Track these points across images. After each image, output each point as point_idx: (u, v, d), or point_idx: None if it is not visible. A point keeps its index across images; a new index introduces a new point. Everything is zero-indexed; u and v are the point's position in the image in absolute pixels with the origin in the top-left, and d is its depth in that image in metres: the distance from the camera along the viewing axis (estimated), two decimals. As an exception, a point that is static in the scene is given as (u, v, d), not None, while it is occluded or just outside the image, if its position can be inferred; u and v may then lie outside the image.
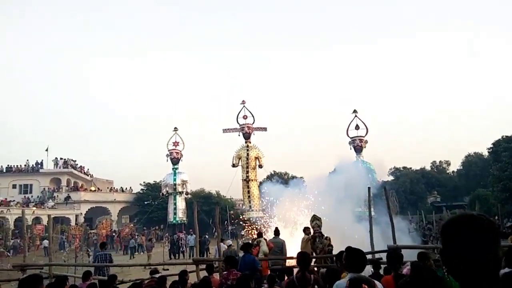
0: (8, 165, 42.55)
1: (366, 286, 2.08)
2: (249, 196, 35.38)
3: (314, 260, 8.60)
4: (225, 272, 6.72)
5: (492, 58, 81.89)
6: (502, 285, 2.86)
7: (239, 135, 38.82)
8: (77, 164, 45.38)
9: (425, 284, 3.17)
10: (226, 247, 12.22)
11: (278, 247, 9.77)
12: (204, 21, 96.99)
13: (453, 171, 49.83)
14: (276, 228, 11.07)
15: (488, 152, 32.57)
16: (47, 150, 42.34)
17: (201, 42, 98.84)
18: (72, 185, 43.59)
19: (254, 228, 21.74)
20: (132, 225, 37.12)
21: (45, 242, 26.95)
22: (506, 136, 29.32)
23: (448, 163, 51.41)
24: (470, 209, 29.71)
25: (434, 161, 51.41)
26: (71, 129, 79.36)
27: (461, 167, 47.90)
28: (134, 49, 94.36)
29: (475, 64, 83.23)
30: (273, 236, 10.74)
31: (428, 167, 48.99)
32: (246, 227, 24.57)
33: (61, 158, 43.22)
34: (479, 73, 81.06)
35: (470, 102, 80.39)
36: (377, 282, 3.33)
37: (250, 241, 10.91)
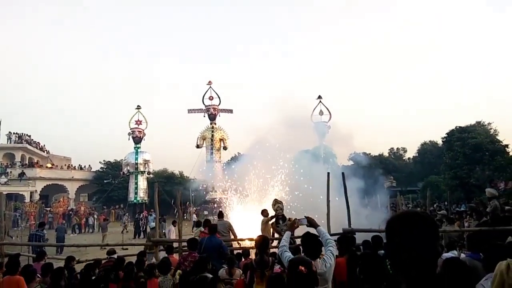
0: (-44, 139, 39.82)
1: (303, 268, 2.15)
2: (213, 178, 35.40)
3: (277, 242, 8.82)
4: (185, 253, 6.79)
5: (453, 51, 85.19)
6: (444, 270, 3.08)
7: (204, 116, 38.57)
8: (32, 140, 43.27)
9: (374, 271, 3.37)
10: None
11: (224, 228, 9.60)
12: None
13: (409, 158, 52.09)
14: (220, 211, 10.88)
15: (442, 141, 34.15)
16: (-1, 123, 40.06)
17: (167, 19, 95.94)
18: (27, 161, 41.66)
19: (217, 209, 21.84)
20: (83, 203, 36.20)
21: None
22: (459, 126, 30.80)
23: (404, 150, 53.70)
24: (422, 194, 31.33)
25: (392, 148, 53.55)
26: (26, 102, 75.37)
27: (417, 155, 50.12)
28: (99, 24, 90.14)
29: (433, 57, 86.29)
30: (218, 219, 10.45)
31: (386, 153, 50.94)
32: (209, 208, 24.66)
33: (15, 133, 41.05)
34: (436, 67, 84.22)
35: (428, 93, 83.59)
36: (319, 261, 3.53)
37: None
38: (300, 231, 4.77)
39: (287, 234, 4.04)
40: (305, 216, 4.21)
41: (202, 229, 9.60)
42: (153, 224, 24.45)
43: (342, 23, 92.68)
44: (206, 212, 29.11)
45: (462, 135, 28.54)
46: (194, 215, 26.16)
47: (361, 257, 3.56)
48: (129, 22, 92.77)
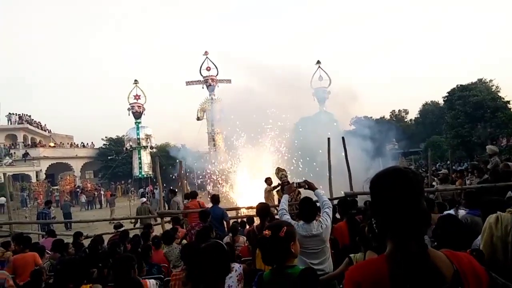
0: (-44, 122, 39.80)
1: (267, 232, 2.16)
2: (215, 150, 35.50)
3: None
4: (193, 224, 6.93)
5: (454, 8, 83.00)
6: (437, 225, 3.12)
7: (203, 88, 38.17)
8: (33, 120, 43.23)
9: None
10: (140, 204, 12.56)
11: (215, 218, 7.25)
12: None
13: (410, 120, 51.90)
14: (214, 195, 8.50)
15: (444, 100, 33.88)
16: (-2, 104, 39.99)
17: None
18: (30, 141, 41.81)
19: (222, 181, 22.08)
20: (89, 180, 36.59)
21: (1, 200, 26.31)
22: (460, 85, 30.43)
23: (406, 112, 53.43)
24: (424, 155, 31.43)
25: (393, 110, 53.26)
26: (26, 83, 74.77)
27: (419, 116, 49.91)
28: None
29: (432, 15, 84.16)
30: (211, 205, 8.07)
31: (387, 116, 50.74)
32: (214, 180, 24.87)
33: (15, 114, 40.97)
34: (436, 24, 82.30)
35: (429, 54, 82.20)
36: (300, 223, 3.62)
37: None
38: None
39: (285, 197, 4.10)
40: (304, 179, 4.27)
41: (186, 202, 9.50)
42: (158, 197, 25.00)
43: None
44: (209, 186, 29.42)
45: (463, 93, 28.26)
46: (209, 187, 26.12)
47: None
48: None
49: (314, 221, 3.64)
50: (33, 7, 79.71)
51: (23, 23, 78.81)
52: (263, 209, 4.71)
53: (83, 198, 29.56)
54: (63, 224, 15.49)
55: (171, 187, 13.76)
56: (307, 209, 3.69)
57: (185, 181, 10.35)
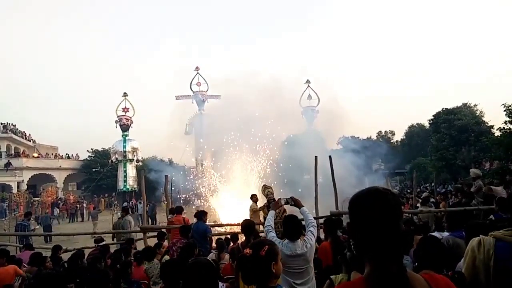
0: None
1: (248, 251, 2.11)
2: (202, 164, 35.28)
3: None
4: (174, 240, 6.81)
5: (439, 32, 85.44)
6: (419, 247, 3.12)
7: (192, 103, 38.22)
8: (17, 129, 42.49)
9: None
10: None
11: (199, 234, 6.92)
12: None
13: (397, 141, 52.66)
14: (198, 211, 8.11)
15: (429, 123, 34.49)
16: (-17, 113, 39.30)
17: (156, 4, 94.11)
18: (13, 151, 40.98)
19: (208, 197, 21.88)
20: (72, 192, 35.97)
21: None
22: (446, 108, 31.10)
23: (392, 133, 54.27)
24: (409, 176, 31.74)
25: (380, 131, 54.05)
26: (11, 91, 73.80)
27: (405, 137, 50.67)
28: (85, 11, 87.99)
29: (420, 39, 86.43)
30: (195, 221, 7.77)
31: (374, 137, 51.42)
32: (200, 195, 24.64)
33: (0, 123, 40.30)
34: (426, 53, 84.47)
35: (416, 77, 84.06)
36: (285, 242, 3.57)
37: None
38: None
39: (271, 214, 4.06)
40: (290, 196, 4.24)
41: (170, 217, 9.38)
42: (141, 211, 24.59)
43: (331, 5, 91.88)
44: (195, 199, 29.15)
45: (448, 117, 28.83)
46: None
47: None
48: (117, 9, 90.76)
49: (299, 240, 3.61)
50: (20, 14, 79.42)
51: (9, 30, 78.33)
52: (248, 226, 4.66)
53: (56, 212, 28.88)
54: (42, 237, 15.10)
55: (151, 203, 13.68)
56: (292, 227, 3.66)
57: (170, 196, 10.20)
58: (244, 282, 2.17)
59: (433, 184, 24.92)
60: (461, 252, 4.04)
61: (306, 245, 3.59)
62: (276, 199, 9.98)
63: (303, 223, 4.04)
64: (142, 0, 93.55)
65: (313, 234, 3.74)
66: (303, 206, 4.12)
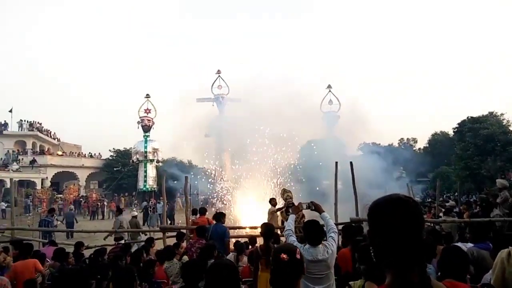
0: (-32, 126, 40.38)
1: (285, 256, 2.11)
2: (221, 166, 35.44)
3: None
4: (192, 240, 6.84)
5: (464, 40, 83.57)
6: (443, 256, 3.05)
7: (213, 105, 38.47)
8: (43, 127, 43.75)
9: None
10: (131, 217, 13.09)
11: (217, 236, 6.74)
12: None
13: (419, 149, 51.57)
14: (217, 213, 8.11)
15: (454, 131, 33.69)
16: (11, 111, 40.56)
17: (175, 8, 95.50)
18: (38, 148, 42.21)
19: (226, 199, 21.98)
20: (94, 190, 36.70)
21: (2, 205, 26.48)
22: (471, 117, 30.32)
23: (415, 141, 53.16)
24: (432, 185, 31.06)
25: (402, 138, 53.05)
26: (38, 91, 76.14)
27: (427, 145, 49.59)
28: (107, 10, 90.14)
29: (447, 47, 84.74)
30: (214, 222, 7.65)
31: (396, 144, 50.51)
32: (220, 197, 24.75)
33: (26, 121, 41.55)
34: (450, 60, 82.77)
35: (440, 84, 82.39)
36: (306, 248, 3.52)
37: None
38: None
39: (291, 218, 4.03)
40: (311, 201, 4.20)
41: (194, 217, 9.58)
42: (160, 211, 24.90)
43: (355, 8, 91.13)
44: (213, 201, 29.28)
45: (474, 126, 28.09)
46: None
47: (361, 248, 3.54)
48: (141, 11, 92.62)
49: (320, 246, 3.57)
50: (44, 15, 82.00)
51: (33, 30, 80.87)
52: (268, 230, 4.64)
53: (68, 209, 29.12)
54: (64, 233, 15.45)
55: (169, 202, 13.84)
56: (313, 233, 3.62)
57: (189, 197, 10.28)
58: (273, 286, 2.16)
59: (456, 193, 24.30)
60: (486, 264, 3.93)
61: (327, 251, 3.55)
62: (296, 204, 9.97)
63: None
64: (166, 4, 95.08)
65: (334, 240, 3.70)
66: (324, 212, 4.08)
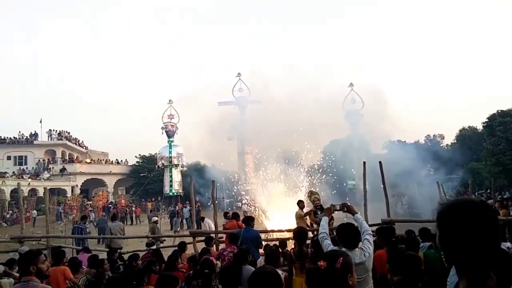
0: (1, 137, 42.06)
1: (322, 263, 2.03)
2: (245, 170, 35.57)
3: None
4: (224, 247, 6.86)
5: (490, 34, 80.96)
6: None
7: (234, 108, 38.65)
8: (71, 136, 45.07)
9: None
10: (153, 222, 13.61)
11: (251, 241, 6.65)
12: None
13: (447, 145, 50.12)
14: (247, 217, 8.05)
15: (483, 126, 32.57)
16: (41, 121, 42.07)
17: (195, 15, 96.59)
18: (67, 157, 43.46)
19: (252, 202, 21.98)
20: (123, 196, 37.40)
21: (34, 213, 27.36)
22: (501, 110, 29.21)
23: (442, 137, 51.67)
24: (462, 183, 30.13)
25: (428, 135, 51.64)
26: (65, 101, 78.50)
27: (455, 141, 48.15)
28: (125, 23, 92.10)
29: (472, 40, 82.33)
30: (244, 227, 7.51)
31: (422, 141, 49.27)
32: (247, 200, 24.79)
33: (55, 130, 42.90)
34: (472, 50, 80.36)
35: (466, 79, 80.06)
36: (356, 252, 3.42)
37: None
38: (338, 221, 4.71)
39: (324, 220, 3.95)
40: (343, 202, 4.12)
41: (225, 222, 9.62)
42: (187, 215, 25.17)
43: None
44: (239, 204, 29.39)
45: (504, 119, 27.08)
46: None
47: (403, 256, 3.43)
48: (162, 18, 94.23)
49: (357, 249, 3.49)
50: (65, 21, 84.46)
51: (57, 40, 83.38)
52: (301, 233, 4.58)
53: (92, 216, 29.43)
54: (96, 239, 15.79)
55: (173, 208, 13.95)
56: (349, 235, 3.54)
57: (216, 201, 10.32)
58: None
59: (489, 190, 23.48)
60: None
61: (364, 254, 3.47)
62: (326, 206, 9.85)
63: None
64: (190, 9, 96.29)
65: (370, 243, 3.60)
66: (357, 213, 4.00)
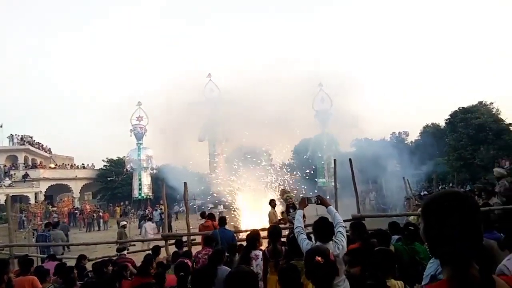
0: (-43, 143, 39.76)
1: (319, 258, 2.09)
2: (216, 171, 35.30)
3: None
4: (199, 250, 6.77)
5: (449, 32, 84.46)
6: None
7: (205, 109, 38.36)
8: (34, 141, 43.27)
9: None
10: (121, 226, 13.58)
11: (226, 241, 6.71)
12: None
13: (411, 141, 51.87)
14: (221, 217, 8.09)
15: (446, 123, 33.94)
16: (1, 126, 40.15)
17: (161, 11, 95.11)
18: (30, 162, 41.69)
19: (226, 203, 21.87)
20: (88, 202, 36.38)
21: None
22: (462, 107, 30.57)
23: (407, 134, 53.45)
24: (427, 177, 31.24)
25: (394, 132, 53.30)
26: (26, 105, 75.30)
27: (419, 137, 49.92)
28: (89, 23, 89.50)
29: (428, 38, 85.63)
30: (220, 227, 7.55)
31: (388, 138, 50.75)
32: (221, 202, 24.63)
33: (17, 135, 41.09)
34: (434, 48, 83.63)
35: (426, 76, 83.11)
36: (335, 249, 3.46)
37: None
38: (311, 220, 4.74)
39: (299, 213, 3.97)
40: (317, 195, 4.15)
41: (204, 221, 9.58)
42: (157, 218, 24.72)
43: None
44: (210, 205, 29.16)
45: (465, 116, 28.34)
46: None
47: (377, 252, 3.51)
48: (131, 22, 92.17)
49: (330, 242, 3.53)
50: (29, 23, 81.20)
51: (27, 41, 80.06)
52: (275, 232, 4.58)
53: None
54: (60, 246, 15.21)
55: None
56: (323, 229, 3.57)
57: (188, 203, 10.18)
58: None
59: (451, 184, 24.48)
60: (494, 254, 3.90)
61: (338, 247, 3.50)
62: (295, 203, 9.94)
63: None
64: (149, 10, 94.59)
65: (343, 235, 3.65)
66: (330, 205, 4.04)
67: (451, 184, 23.42)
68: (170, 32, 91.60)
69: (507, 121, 27.34)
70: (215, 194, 25.22)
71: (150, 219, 20.67)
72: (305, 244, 3.61)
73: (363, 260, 4.03)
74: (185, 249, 8.16)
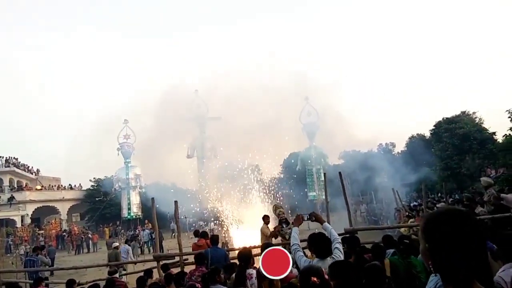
0: None
1: (315, 279, 2.10)
2: (206, 188, 35.06)
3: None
4: (192, 270, 6.69)
5: (433, 43, 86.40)
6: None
7: (193, 125, 38.37)
8: (19, 162, 42.50)
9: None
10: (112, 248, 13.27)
11: (219, 260, 6.63)
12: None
13: (398, 152, 52.48)
14: (213, 236, 8.17)
15: (431, 133, 34.51)
16: (-16, 149, 39.42)
17: (142, 30, 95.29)
18: (16, 184, 40.86)
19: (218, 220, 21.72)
20: (76, 223, 35.71)
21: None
22: (446, 118, 31.20)
23: (393, 145, 54.12)
24: (415, 188, 31.55)
25: (381, 143, 53.92)
26: (10, 126, 74.11)
27: (406, 148, 50.56)
28: (73, 36, 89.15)
29: (413, 51, 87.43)
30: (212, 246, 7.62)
31: (375, 149, 51.28)
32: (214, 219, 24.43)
33: (1, 157, 40.32)
34: (420, 60, 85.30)
35: (412, 87, 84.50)
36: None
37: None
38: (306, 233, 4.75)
39: (295, 231, 3.99)
40: (312, 212, 4.20)
41: (197, 240, 9.51)
42: (146, 238, 24.34)
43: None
44: (201, 223, 28.88)
45: (449, 126, 28.88)
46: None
47: (369, 268, 3.53)
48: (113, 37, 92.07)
49: (329, 258, 3.55)
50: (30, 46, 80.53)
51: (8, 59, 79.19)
52: (245, 255, 4.58)
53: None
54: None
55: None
56: (322, 245, 3.60)
57: (179, 221, 10.07)
58: None
59: (439, 194, 24.70)
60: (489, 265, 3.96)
61: None
62: (290, 220, 9.94)
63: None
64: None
65: (341, 251, 3.68)
66: (325, 222, 4.08)
67: (439, 194, 23.63)
68: (155, 49, 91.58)
69: (491, 130, 27.94)
70: (204, 212, 25.07)
71: (132, 240, 20.46)
72: (303, 261, 3.63)
73: (343, 273, 4.05)
74: (177, 270, 8.08)
